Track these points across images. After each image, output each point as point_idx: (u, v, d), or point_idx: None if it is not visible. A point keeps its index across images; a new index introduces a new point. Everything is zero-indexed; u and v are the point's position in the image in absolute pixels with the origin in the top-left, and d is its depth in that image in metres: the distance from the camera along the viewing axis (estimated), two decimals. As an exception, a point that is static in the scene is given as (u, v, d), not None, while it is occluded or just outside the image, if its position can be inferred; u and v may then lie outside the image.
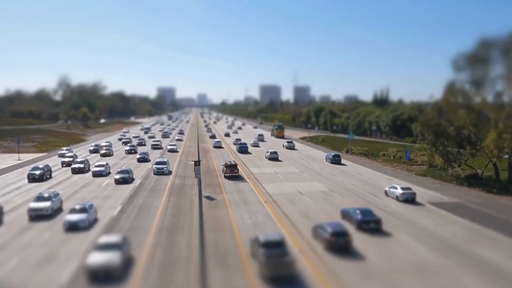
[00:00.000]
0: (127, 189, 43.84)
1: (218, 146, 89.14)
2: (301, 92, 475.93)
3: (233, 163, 52.63)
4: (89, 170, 55.65)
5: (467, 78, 47.24)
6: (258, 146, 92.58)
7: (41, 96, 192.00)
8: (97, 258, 21.21)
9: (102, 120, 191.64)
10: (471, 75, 46.82)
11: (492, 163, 48.36)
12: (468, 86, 47.67)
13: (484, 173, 49.66)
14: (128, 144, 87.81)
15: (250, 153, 78.92)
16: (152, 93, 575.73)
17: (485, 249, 25.78)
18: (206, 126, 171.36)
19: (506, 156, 46.68)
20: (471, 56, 46.22)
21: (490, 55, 45.46)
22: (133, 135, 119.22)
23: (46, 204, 32.65)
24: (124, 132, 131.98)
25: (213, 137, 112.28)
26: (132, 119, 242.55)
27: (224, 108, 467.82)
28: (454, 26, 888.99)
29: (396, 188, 39.80)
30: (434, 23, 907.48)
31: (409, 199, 38.30)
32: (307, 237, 27.75)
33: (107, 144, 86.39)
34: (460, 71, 47.17)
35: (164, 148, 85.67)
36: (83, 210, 30.33)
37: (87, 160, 58.69)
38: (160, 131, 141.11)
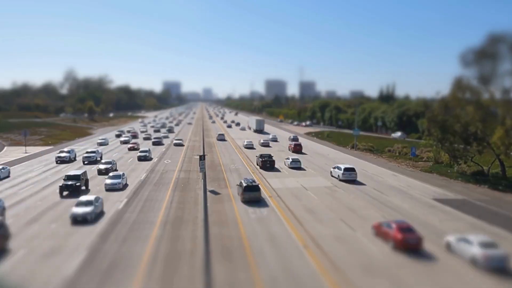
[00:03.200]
0: (132, 183, 44.10)
1: None
2: (306, 87, 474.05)
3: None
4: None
5: (474, 73, 46.87)
6: None
7: (48, 90, 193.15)
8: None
9: (111, 114, 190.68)
10: (479, 70, 46.42)
11: (498, 160, 48.05)
12: (476, 82, 47.31)
13: (490, 170, 49.36)
14: None
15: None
16: (157, 88, 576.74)
17: (489, 246, 25.67)
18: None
19: (513, 153, 46.36)
20: (479, 51, 45.78)
21: (499, 51, 45.03)
22: None
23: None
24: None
25: None
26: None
27: (229, 103, 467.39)
28: (460, 23, 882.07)
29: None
30: (440, 20, 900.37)
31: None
32: (311, 233, 27.81)
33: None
34: (468, 66, 46.75)
35: None
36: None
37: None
38: None
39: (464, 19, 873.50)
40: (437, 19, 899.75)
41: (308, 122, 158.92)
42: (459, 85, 48.04)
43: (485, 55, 45.47)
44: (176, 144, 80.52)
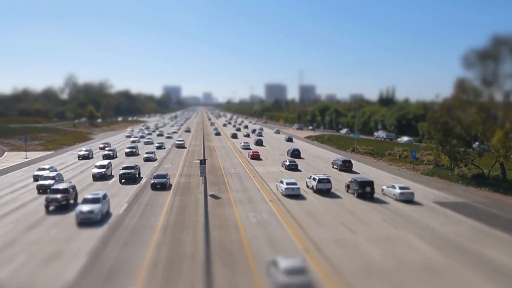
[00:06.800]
0: (132, 187, 44.04)
1: None
2: (306, 91, 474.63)
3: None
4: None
5: (476, 75, 46.83)
6: None
7: (48, 95, 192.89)
8: None
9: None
10: (481, 72, 46.36)
11: (498, 162, 48.02)
12: (478, 84, 47.28)
13: (490, 172, 49.30)
14: None
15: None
16: (158, 92, 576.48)
17: (490, 249, 25.63)
18: None
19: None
20: (482, 52, 45.70)
21: (501, 53, 44.96)
22: None
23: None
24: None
25: None
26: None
27: (229, 107, 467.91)
28: (459, 27, 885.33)
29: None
30: (439, 24, 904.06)
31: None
32: (311, 235, 27.76)
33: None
34: (470, 67, 46.71)
35: None
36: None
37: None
38: None
39: (464, 23, 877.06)
40: (436, 23, 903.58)
41: (310, 127, 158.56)
42: (461, 86, 47.96)
43: (487, 56, 45.41)
44: None
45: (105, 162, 52.52)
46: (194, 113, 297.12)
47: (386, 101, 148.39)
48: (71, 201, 35.54)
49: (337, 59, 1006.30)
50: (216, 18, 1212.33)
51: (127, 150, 74.06)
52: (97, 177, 48.05)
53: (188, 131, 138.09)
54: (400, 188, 39.13)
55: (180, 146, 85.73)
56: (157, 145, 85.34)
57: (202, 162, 42.92)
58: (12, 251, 24.79)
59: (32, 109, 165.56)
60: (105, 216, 31.90)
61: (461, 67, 47.49)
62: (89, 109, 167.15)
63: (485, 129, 46.15)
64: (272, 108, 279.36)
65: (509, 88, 45.62)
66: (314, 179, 42.58)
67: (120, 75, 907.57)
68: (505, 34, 44.71)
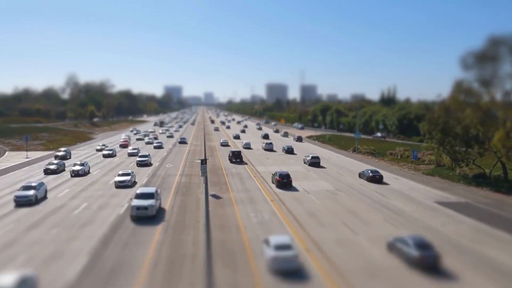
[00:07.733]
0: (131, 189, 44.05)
1: None
2: (307, 91, 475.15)
3: None
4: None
5: (475, 76, 46.78)
6: None
7: (49, 95, 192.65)
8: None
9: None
10: (479, 73, 46.32)
11: (500, 162, 47.91)
12: (476, 85, 47.22)
13: (492, 172, 49.19)
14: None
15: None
16: (159, 92, 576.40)
17: (492, 249, 25.56)
18: None
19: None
20: (479, 54, 45.69)
21: (499, 53, 44.92)
22: None
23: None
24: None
25: None
26: (130, 118, 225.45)
27: (230, 107, 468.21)
28: (460, 26, 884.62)
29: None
30: (440, 24, 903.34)
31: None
32: (313, 237, 27.72)
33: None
34: (468, 69, 46.67)
35: None
36: None
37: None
38: None
39: (465, 22, 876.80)
40: (436, 23, 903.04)
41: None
42: (459, 87, 47.96)
43: (485, 57, 45.38)
44: None
45: None
46: (192, 117, 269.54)
47: (387, 101, 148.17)
48: None
49: (338, 59, 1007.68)
50: (216, 18, 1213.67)
51: None
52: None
53: None
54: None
55: None
56: None
57: (203, 162, 42.87)
58: (13, 251, 24.80)
59: (33, 109, 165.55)
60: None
61: (460, 68, 47.46)
62: (90, 109, 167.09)
63: (485, 129, 46.05)
64: (273, 108, 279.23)
65: (509, 88, 45.54)
66: None
67: (121, 75, 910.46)
68: (502, 35, 44.68)
